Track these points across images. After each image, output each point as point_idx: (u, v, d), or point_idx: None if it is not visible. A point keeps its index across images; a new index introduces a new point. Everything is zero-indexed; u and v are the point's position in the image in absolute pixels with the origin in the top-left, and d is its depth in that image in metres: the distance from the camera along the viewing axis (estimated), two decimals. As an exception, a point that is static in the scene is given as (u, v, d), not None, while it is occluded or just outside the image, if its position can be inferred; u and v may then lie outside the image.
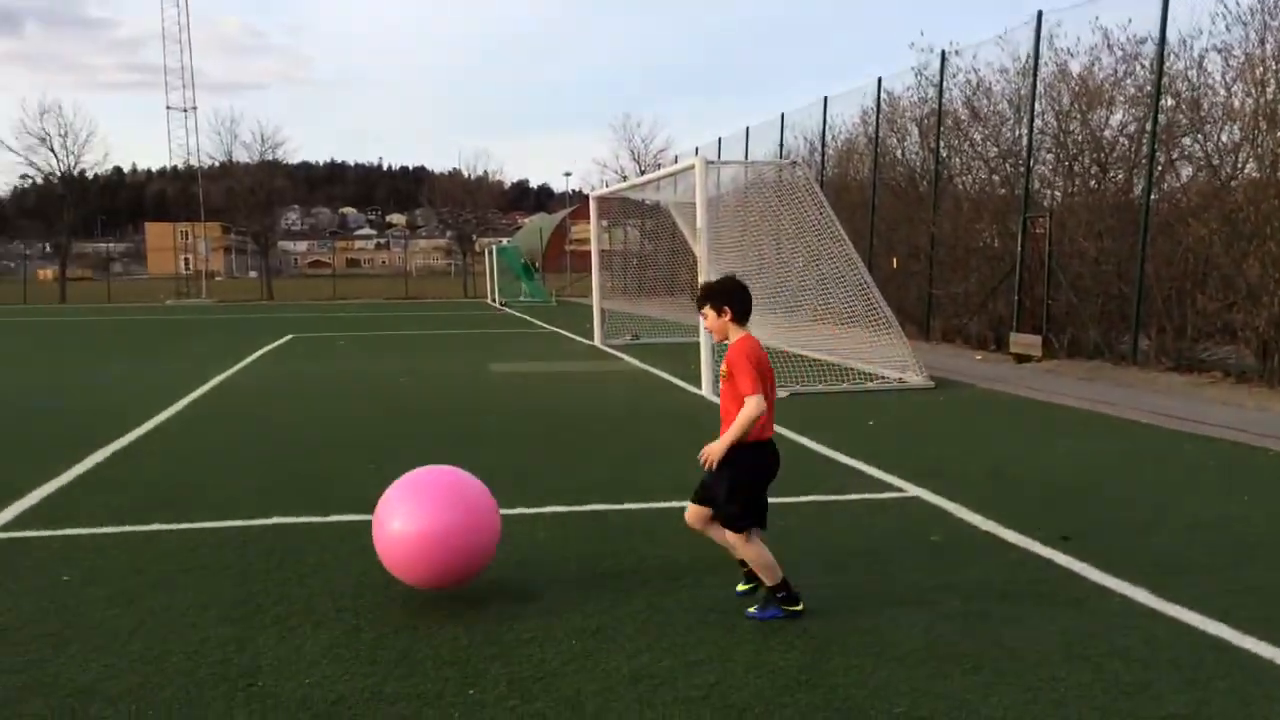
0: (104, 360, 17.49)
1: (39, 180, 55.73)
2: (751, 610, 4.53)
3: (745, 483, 4.49)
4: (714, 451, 4.43)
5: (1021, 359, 14.86)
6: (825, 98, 22.79)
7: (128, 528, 5.99)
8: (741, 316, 4.60)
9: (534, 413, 10.62)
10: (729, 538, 4.54)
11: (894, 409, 10.65)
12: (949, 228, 18.15)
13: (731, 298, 4.60)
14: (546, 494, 6.76)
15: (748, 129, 27.70)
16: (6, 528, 6.00)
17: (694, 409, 10.83)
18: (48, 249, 64.85)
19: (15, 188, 61.56)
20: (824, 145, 23.23)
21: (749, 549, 4.51)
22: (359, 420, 9.94)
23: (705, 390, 11.67)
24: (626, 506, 6.47)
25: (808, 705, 3.60)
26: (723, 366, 4.55)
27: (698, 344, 12.50)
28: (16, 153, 52.73)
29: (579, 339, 20.83)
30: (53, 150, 51.62)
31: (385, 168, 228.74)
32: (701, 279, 11.62)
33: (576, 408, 10.96)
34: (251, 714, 3.54)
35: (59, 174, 52.44)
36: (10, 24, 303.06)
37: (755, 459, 4.51)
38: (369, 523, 4.91)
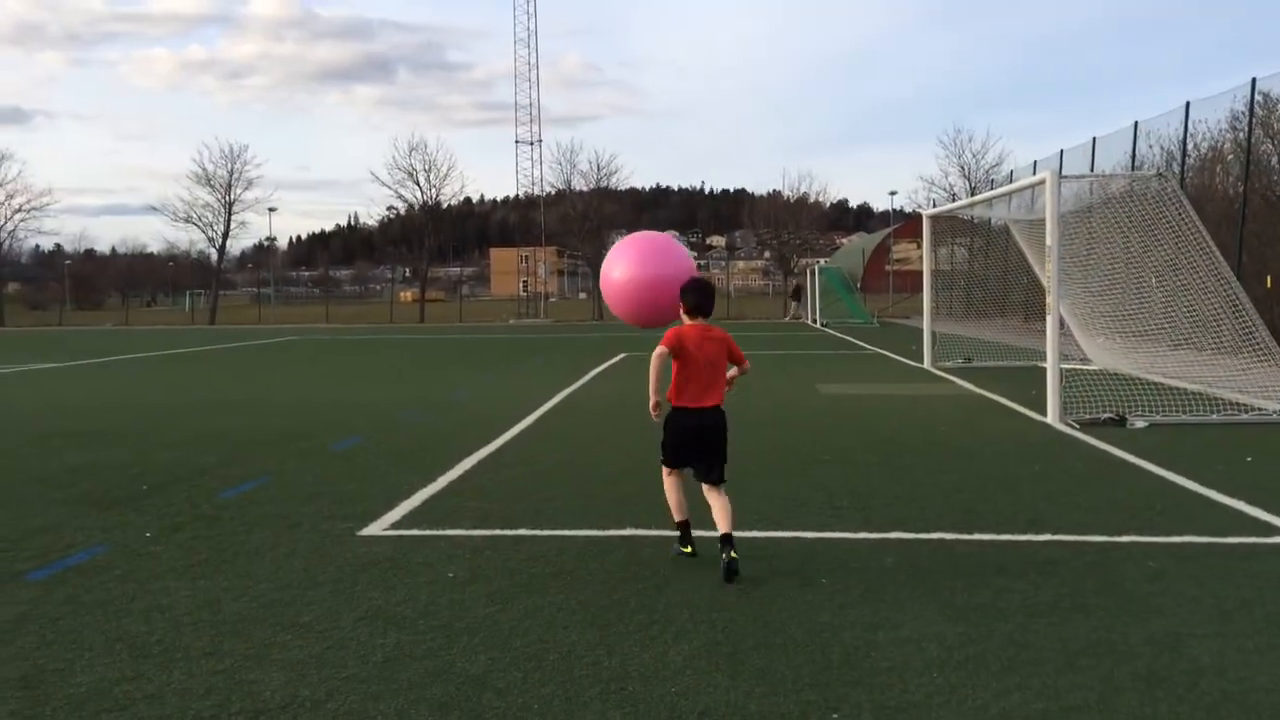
0: (460, 375, 19.06)
1: (402, 211, 61.88)
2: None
3: (665, 433, 5.72)
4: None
5: None
6: (1187, 103, 21.02)
7: (497, 531, 6.47)
8: (691, 311, 5.70)
9: (868, 436, 10.46)
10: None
11: (1278, 444, 9.57)
12: (1337, 242, 16.15)
13: (683, 293, 5.75)
14: (890, 520, 6.64)
15: (1094, 140, 26.03)
16: (397, 526, 6.67)
17: (1039, 436, 10.25)
18: (408, 273, 71.65)
19: (382, 219, 68.58)
20: (1184, 155, 21.38)
21: (665, 482, 5.79)
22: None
23: (1051, 418, 11.02)
24: (976, 537, 6.22)
25: (1207, 767, 3.30)
26: None
27: (1037, 367, 11.84)
28: (389, 186, 58.94)
29: (906, 361, 20.34)
30: (418, 183, 57.33)
31: (706, 191, 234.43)
32: (1050, 301, 11.02)
33: (912, 432, 10.68)
34: (625, 717, 3.71)
35: (420, 205, 58.00)
36: (386, 72, 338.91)
37: (670, 419, 5.69)
38: (717, 538, 5.47)
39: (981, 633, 4.52)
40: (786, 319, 46.75)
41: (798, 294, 50.12)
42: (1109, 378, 12.93)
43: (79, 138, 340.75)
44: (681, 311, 5.76)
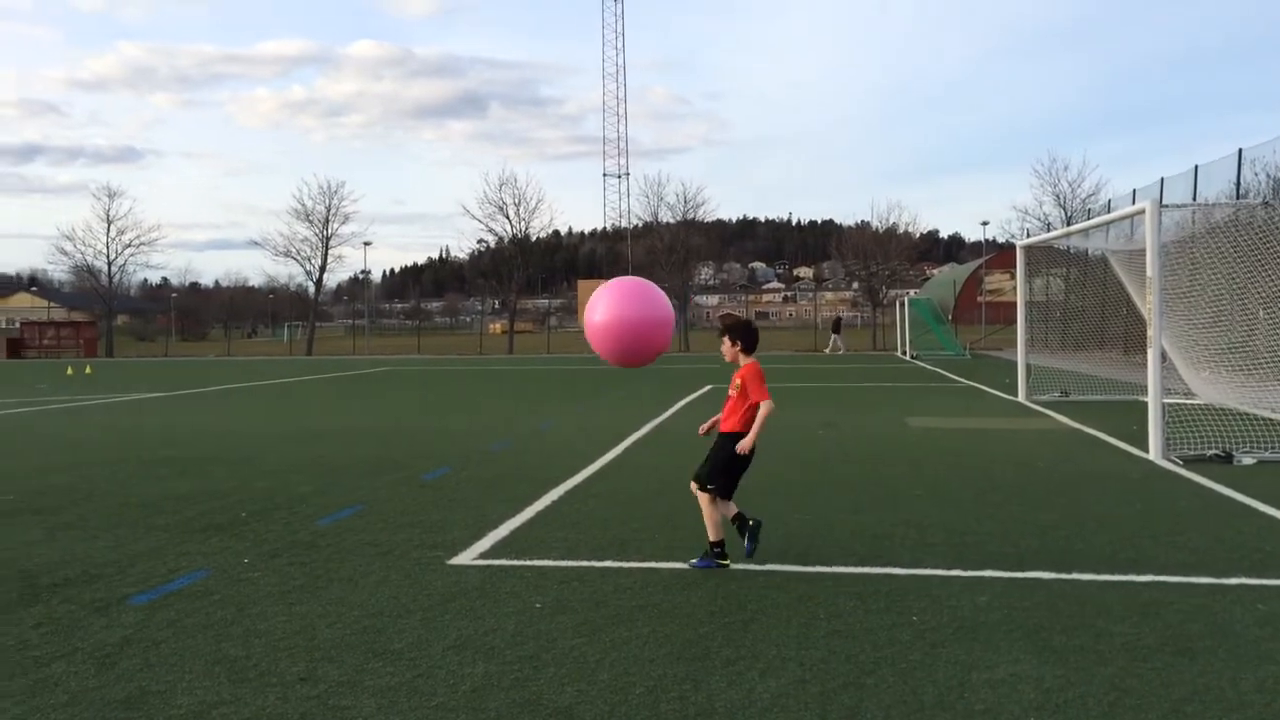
0: (549, 405, 19.21)
1: (492, 244, 62.91)
2: (693, 561, 6.32)
3: (736, 461, 6.22)
4: (745, 445, 6.14)
5: None
6: (1293, 128, 20.29)
7: (584, 562, 6.50)
8: (749, 348, 6.38)
9: (960, 470, 10.24)
10: (700, 496, 6.29)
11: (1395, 483, 9.12)
12: None
13: (742, 334, 6.39)
14: (984, 558, 6.49)
15: (1196, 168, 25.30)
16: (485, 555, 6.74)
17: (1140, 473, 9.92)
18: (497, 305, 72.71)
19: (473, 251, 69.77)
20: (1291, 181, 20.64)
21: (709, 506, 6.26)
22: (773, 471, 10.11)
23: (1153, 454, 10.67)
24: (1074, 577, 6.03)
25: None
26: (735, 380, 6.34)
27: (1137, 402, 11.48)
28: (479, 220, 60.02)
29: (1000, 394, 19.92)
30: (508, 217, 58.25)
31: (794, 222, 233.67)
32: (1151, 333, 10.71)
33: (1006, 467, 10.43)
34: (712, 753, 3.67)
35: (509, 238, 58.92)
36: (478, 108, 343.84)
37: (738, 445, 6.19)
38: (800, 574, 5.64)
39: (1081, 676, 4.38)
40: (827, 351, 46.54)
41: (837, 326, 50.03)
42: (1214, 412, 12.48)
43: (187, 175, 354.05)
44: (740, 350, 6.39)
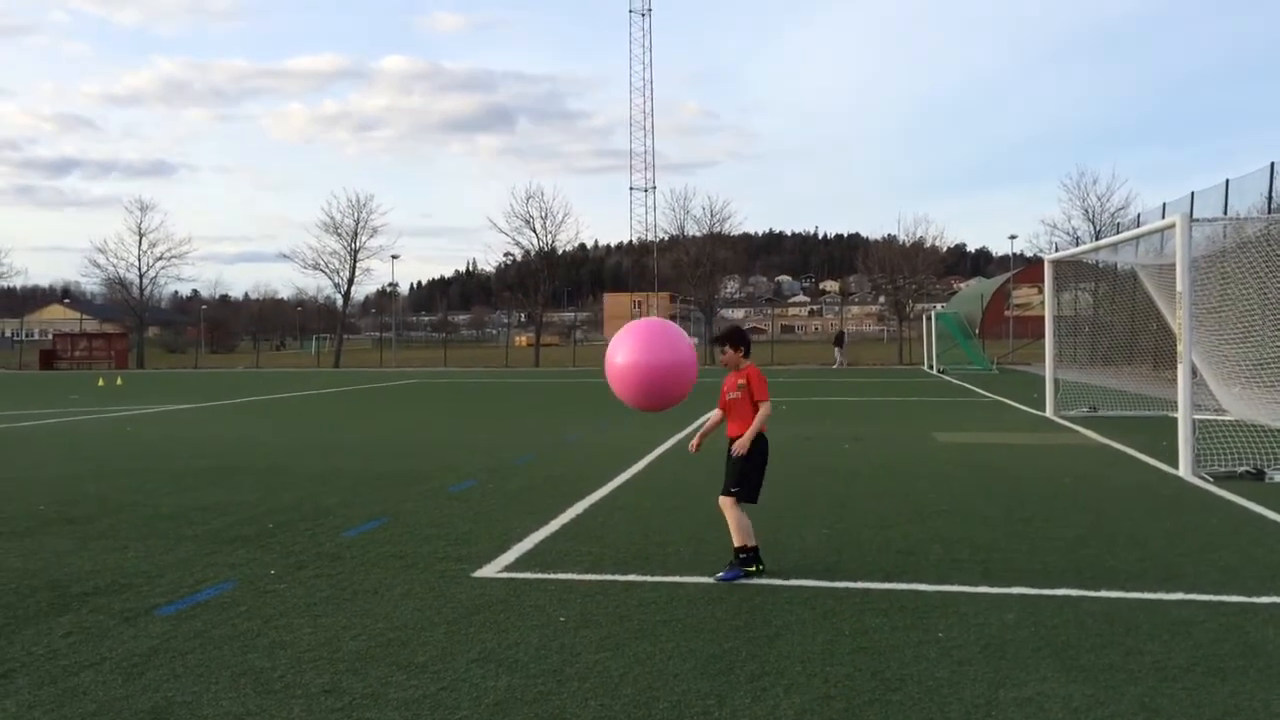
0: (575, 418, 19.23)
1: (519, 257, 63.19)
2: (719, 575, 6.32)
3: (756, 464, 6.44)
4: (743, 444, 6.34)
5: None
6: (1328, 142, 20.08)
7: (609, 576, 6.49)
8: (748, 353, 6.63)
9: (988, 486, 10.17)
10: (723, 502, 6.43)
11: None
12: None
13: (744, 340, 6.65)
14: (1011, 574, 6.44)
15: (1227, 181, 25.06)
16: (510, 568, 6.75)
17: (1170, 489, 9.82)
18: (523, 318, 72.97)
19: (500, 265, 70.13)
20: (1325, 195, 20.40)
21: (734, 512, 6.38)
22: (800, 485, 10.09)
23: (1183, 470, 10.55)
24: (1103, 594, 5.97)
25: None
26: (738, 382, 6.48)
27: (1167, 417, 11.35)
28: (506, 233, 60.30)
29: (1027, 409, 19.77)
30: (534, 230, 58.53)
31: (820, 236, 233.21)
32: (1181, 348, 10.60)
33: (1034, 483, 10.34)
34: (735, 770, 3.65)
35: (536, 251, 59.18)
36: (507, 122, 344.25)
37: (763, 447, 6.47)
38: (826, 589, 5.56)
39: (1110, 695, 4.33)
40: (834, 366, 46.65)
41: (840, 340, 50.11)
42: (1246, 429, 12.33)
43: (219, 189, 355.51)
44: (741, 355, 6.56)
